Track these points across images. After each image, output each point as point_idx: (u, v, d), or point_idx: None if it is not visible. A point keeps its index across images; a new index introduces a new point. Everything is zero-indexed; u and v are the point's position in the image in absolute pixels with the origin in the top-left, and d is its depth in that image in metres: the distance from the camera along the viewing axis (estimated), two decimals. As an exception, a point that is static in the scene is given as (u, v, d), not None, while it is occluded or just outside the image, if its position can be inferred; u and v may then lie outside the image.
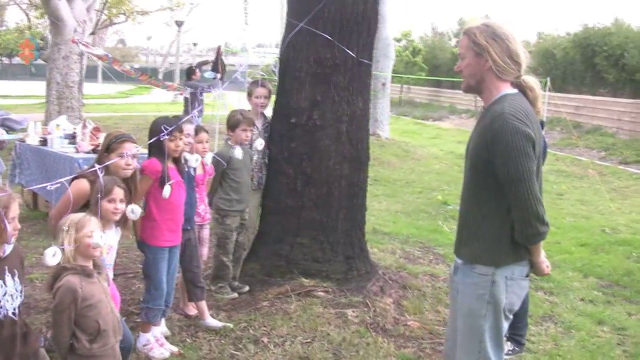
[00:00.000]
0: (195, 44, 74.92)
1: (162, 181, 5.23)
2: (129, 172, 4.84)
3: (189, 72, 17.37)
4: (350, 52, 6.77)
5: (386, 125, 24.11)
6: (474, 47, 3.68)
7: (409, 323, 6.28)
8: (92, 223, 4.08)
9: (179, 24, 47.27)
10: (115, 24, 34.45)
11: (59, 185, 4.25)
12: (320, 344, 5.70)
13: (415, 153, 21.58)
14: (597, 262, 9.58)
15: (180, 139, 5.39)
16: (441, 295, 7.11)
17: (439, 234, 10.95)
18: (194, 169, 5.89)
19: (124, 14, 31.24)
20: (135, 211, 4.72)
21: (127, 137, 4.94)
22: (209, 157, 6.12)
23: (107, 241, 4.53)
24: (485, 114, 3.71)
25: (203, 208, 6.31)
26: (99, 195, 4.42)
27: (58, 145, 9.55)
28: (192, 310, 6.22)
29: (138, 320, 5.70)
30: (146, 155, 5.46)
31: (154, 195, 5.29)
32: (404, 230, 10.93)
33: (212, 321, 5.95)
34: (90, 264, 4.10)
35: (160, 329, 5.59)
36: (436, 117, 40.56)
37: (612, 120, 27.84)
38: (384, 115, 23.99)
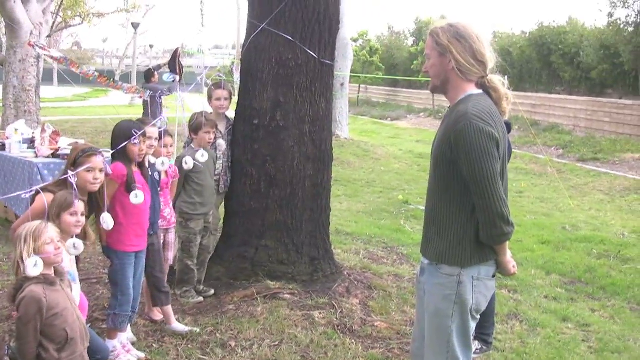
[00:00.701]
0: (151, 46, 74.36)
1: (127, 185, 5.17)
2: (96, 187, 4.76)
3: (147, 75, 17.22)
4: (312, 53, 6.75)
5: (345, 125, 24.18)
6: (437, 47, 3.69)
7: (376, 324, 6.27)
8: (49, 230, 4.01)
9: (135, 26, 46.75)
10: (71, 26, 34.04)
11: (32, 192, 4.18)
12: (288, 347, 5.66)
13: (375, 153, 21.65)
14: (559, 260, 9.69)
15: (144, 142, 5.32)
16: (407, 296, 7.11)
17: (401, 233, 10.99)
18: (159, 173, 5.81)
19: (79, 16, 30.87)
20: (107, 220, 4.65)
21: (95, 150, 4.84)
22: (172, 161, 6.03)
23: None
24: (450, 114, 3.71)
25: (168, 212, 6.24)
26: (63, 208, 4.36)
27: (17, 150, 9.37)
28: (157, 315, 6.14)
29: (104, 326, 5.61)
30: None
31: (119, 200, 5.21)
32: (367, 230, 10.94)
33: (178, 326, 5.88)
34: (52, 272, 4.03)
35: (126, 335, 5.51)
36: (394, 117, 40.80)
37: (568, 117, 28.25)
38: (343, 115, 24.06)
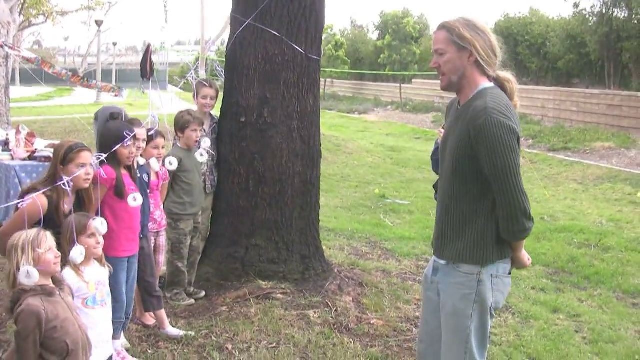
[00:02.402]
0: (115, 44, 73.61)
1: (117, 189, 5.02)
2: (87, 184, 4.64)
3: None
4: (299, 48, 6.65)
5: (316, 120, 24.14)
6: (458, 40, 3.58)
7: (372, 321, 6.20)
8: (48, 239, 3.87)
9: (99, 23, 46.20)
10: (34, 25, 33.61)
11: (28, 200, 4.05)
12: (286, 347, 5.56)
13: (347, 147, 21.65)
14: (541, 250, 9.73)
15: (134, 144, 5.18)
16: (398, 292, 7.06)
17: (382, 228, 10.97)
18: (148, 174, 5.66)
19: (43, 14, 30.47)
20: (103, 224, 4.52)
21: (82, 145, 4.71)
22: (158, 163, 5.85)
23: (92, 277, 4.37)
24: (466, 110, 3.61)
25: (159, 214, 6.09)
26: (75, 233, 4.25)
27: (-9, 153, 9.16)
28: (149, 319, 5.99)
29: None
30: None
31: (109, 205, 5.03)
32: (348, 225, 10.89)
33: (172, 330, 5.75)
34: (49, 282, 3.90)
35: (120, 342, 5.36)
36: (361, 110, 40.95)
37: (536, 108, 28.46)
38: (314, 110, 24.01)
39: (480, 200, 3.60)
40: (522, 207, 3.48)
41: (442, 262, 3.82)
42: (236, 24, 6.79)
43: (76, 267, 4.24)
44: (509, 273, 3.77)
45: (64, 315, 3.82)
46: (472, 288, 3.64)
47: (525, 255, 3.80)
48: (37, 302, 3.70)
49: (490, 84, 3.64)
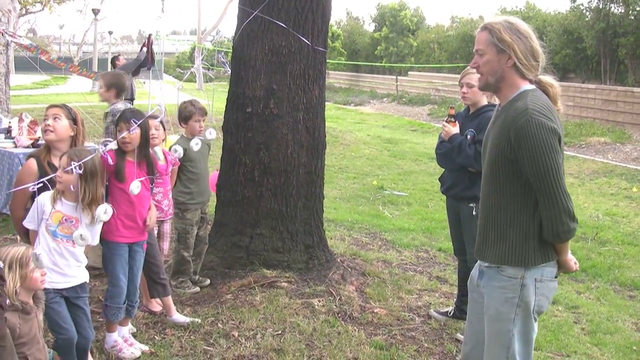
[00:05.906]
0: (110, 32, 73.27)
1: (117, 174, 5.04)
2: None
3: (113, 62, 16.97)
4: (305, 40, 6.70)
5: (314, 111, 24.15)
6: (498, 43, 3.60)
7: (375, 310, 6.29)
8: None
9: (96, 12, 45.92)
10: (31, 12, 33.52)
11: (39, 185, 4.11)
12: (291, 335, 5.65)
13: (344, 139, 21.68)
14: (539, 243, 9.77)
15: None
16: (400, 282, 7.16)
17: (381, 219, 11.02)
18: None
19: (40, 2, 30.41)
20: (99, 213, 4.57)
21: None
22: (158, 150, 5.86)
23: (62, 210, 4.51)
24: (506, 112, 3.63)
25: (167, 203, 6.10)
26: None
27: (-7, 141, 9.19)
28: (156, 306, 6.06)
29: (101, 319, 5.51)
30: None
31: (109, 190, 5.06)
32: (347, 216, 10.95)
33: (179, 317, 5.81)
34: (31, 300, 4.00)
35: (127, 328, 5.41)
36: (357, 102, 40.94)
37: (532, 102, 28.47)
38: (311, 101, 24.02)
39: (522, 201, 3.60)
40: (565, 207, 3.48)
41: (485, 264, 3.82)
42: (243, 16, 6.83)
43: (55, 195, 4.46)
44: (555, 277, 3.74)
45: (34, 332, 3.93)
46: (516, 292, 3.64)
47: (572, 260, 3.76)
48: (15, 319, 3.80)
49: (531, 87, 3.65)
